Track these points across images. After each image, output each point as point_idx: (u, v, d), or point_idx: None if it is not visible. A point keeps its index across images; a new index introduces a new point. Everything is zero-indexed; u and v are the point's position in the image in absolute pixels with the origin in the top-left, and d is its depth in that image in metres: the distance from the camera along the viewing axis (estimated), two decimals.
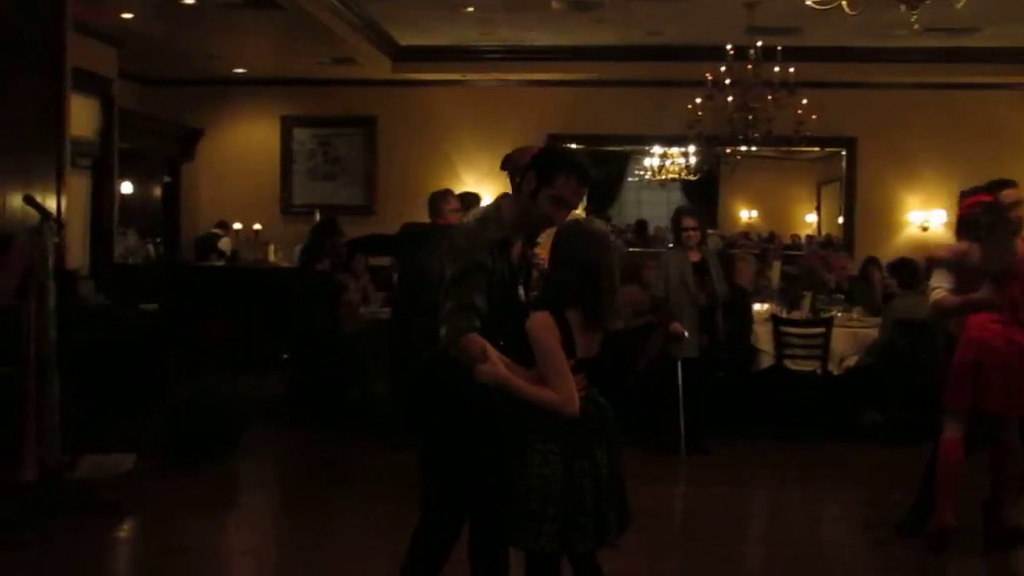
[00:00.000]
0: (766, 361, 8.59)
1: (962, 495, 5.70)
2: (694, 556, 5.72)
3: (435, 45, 12.96)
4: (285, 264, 12.69)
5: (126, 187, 12.84)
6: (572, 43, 12.71)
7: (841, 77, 12.91)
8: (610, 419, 3.51)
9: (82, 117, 10.47)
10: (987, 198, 5.57)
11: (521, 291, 3.68)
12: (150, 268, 12.41)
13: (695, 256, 7.93)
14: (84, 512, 5.92)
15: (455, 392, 3.51)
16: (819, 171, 16.38)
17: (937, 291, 5.58)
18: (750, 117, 11.23)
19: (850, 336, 8.65)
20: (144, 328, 9.02)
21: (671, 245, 8.53)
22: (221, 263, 13.20)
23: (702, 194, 16.09)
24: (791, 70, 10.65)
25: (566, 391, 3.32)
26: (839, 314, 9.01)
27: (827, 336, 8.43)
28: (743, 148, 12.38)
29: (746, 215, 18.11)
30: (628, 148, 16.17)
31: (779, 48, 10.62)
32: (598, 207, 15.70)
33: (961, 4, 8.01)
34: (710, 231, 10.54)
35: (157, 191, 14.42)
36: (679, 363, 7.77)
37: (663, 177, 16.07)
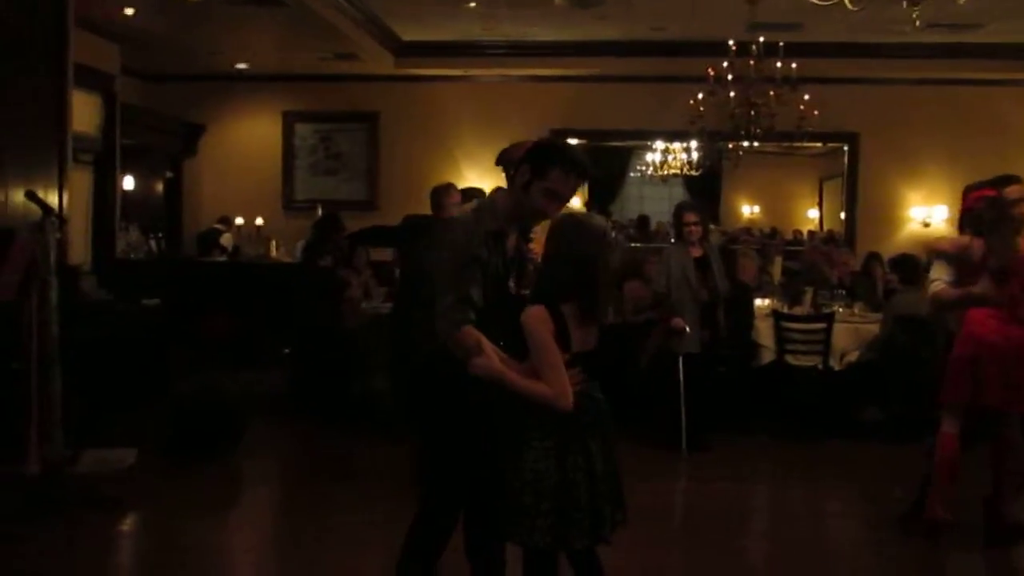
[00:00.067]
0: (767, 357, 8.59)
1: (963, 491, 5.72)
2: (695, 552, 5.73)
3: (437, 40, 12.94)
4: (287, 259, 12.70)
5: (128, 183, 12.84)
6: (574, 38, 12.70)
7: (843, 73, 12.89)
8: (605, 414, 3.50)
9: (84, 113, 10.48)
10: (991, 193, 5.57)
11: (512, 284, 3.67)
12: (152, 264, 12.41)
13: (697, 252, 7.93)
14: (86, 507, 5.93)
15: (453, 386, 3.51)
16: (821, 167, 16.38)
17: (936, 283, 5.59)
18: (752, 113, 11.20)
19: (851, 332, 8.65)
20: (146, 323, 9.04)
21: (673, 241, 8.53)
22: (223, 258, 13.20)
23: (704, 190, 16.09)
24: (793, 66, 10.62)
25: (559, 385, 3.32)
26: (840, 310, 9.00)
27: (828, 332, 8.43)
28: (745, 144, 12.33)
29: (748, 211, 18.13)
30: (630, 143, 16.18)
31: (781, 44, 10.59)
32: (600, 202, 15.73)
33: (964, 0, 8.00)
34: (712, 227, 10.53)
35: (159, 187, 14.43)
36: (680, 359, 7.78)
37: (665, 173, 16.08)
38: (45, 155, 8.09)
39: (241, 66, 13.64)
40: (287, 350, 9.81)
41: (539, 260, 3.74)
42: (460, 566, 3.82)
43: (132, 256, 12.32)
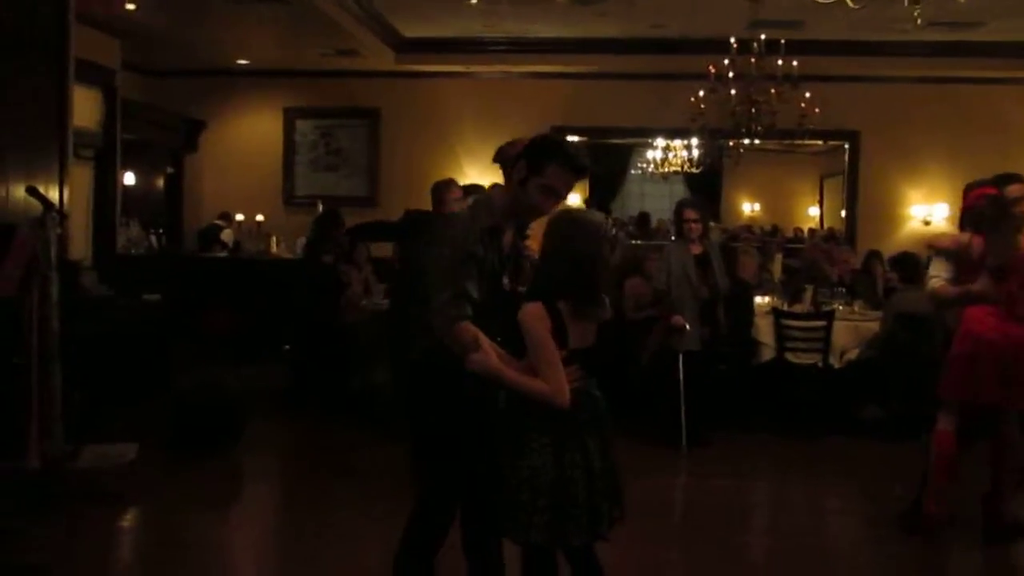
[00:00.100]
0: (767, 354, 8.60)
1: (963, 488, 5.74)
2: (694, 548, 5.74)
3: (439, 37, 12.95)
4: (287, 255, 12.71)
5: (129, 178, 12.84)
6: (576, 35, 12.71)
7: (844, 71, 12.89)
8: (603, 411, 3.49)
9: (85, 108, 10.48)
10: (992, 191, 5.58)
11: (506, 280, 3.66)
12: (153, 259, 12.43)
13: (697, 249, 7.93)
14: (87, 502, 5.95)
15: (450, 382, 3.50)
16: (822, 165, 16.40)
17: (935, 280, 5.61)
18: (753, 110, 11.22)
19: (851, 329, 8.65)
20: (147, 319, 9.04)
21: (673, 238, 8.53)
22: (224, 254, 13.22)
23: (705, 187, 16.11)
24: (794, 63, 10.63)
25: (556, 382, 3.31)
26: (840, 308, 9.00)
27: (828, 329, 8.43)
28: (746, 141, 12.36)
29: (749, 208, 18.15)
30: (631, 141, 16.20)
31: (782, 41, 10.60)
32: (601, 199, 15.74)
33: None
34: (712, 224, 10.53)
35: (160, 182, 14.44)
36: (680, 356, 7.78)
37: (666, 170, 16.09)
38: (46, 151, 8.09)
39: (242, 62, 13.64)
40: (288, 346, 9.82)
41: (535, 257, 3.72)
42: (458, 563, 3.83)
43: (133, 252, 12.34)
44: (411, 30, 12.74)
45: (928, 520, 5.64)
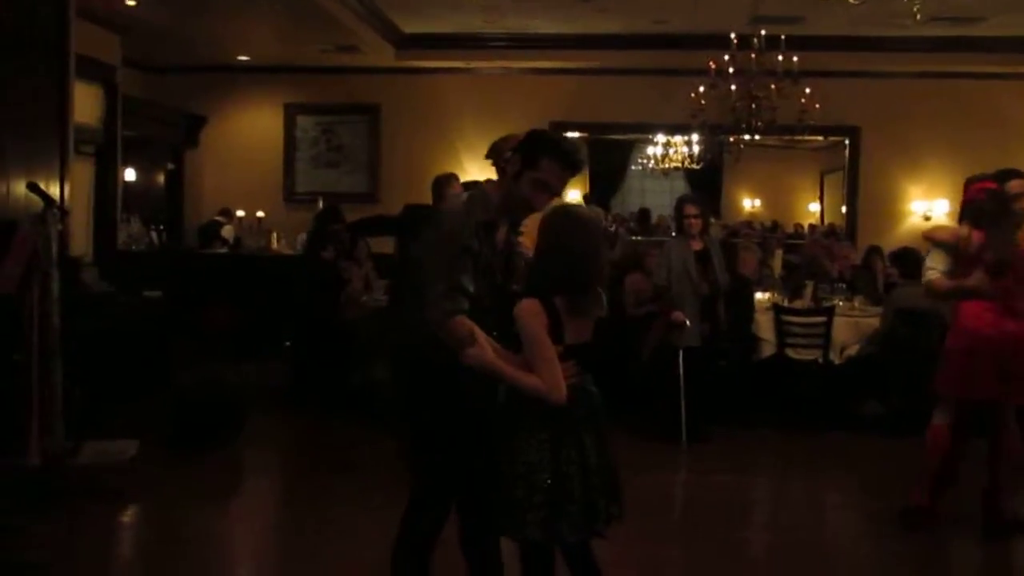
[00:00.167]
0: (767, 350, 8.61)
1: (962, 484, 5.75)
2: (695, 543, 5.74)
3: (439, 33, 12.94)
4: (288, 252, 12.70)
5: (129, 174, 12.85)
6: (576, 31, 12.69)
7: (845, 66, 12.88)
8: (600, 407, 3.47)
9: (86, 104, 10.48)
10: (992, 186, 5.58)
11: (499, 276, 3.65)
12: (153, 255, 12.42)
13: (697, 245, 7.94)
14: (87, 498, 5.95)
15: (445, 376, 3.47)
16: (822, 160, 16.37)
17: (931, 272, 5.62)
18: (753, 106, 11.22)
19: (851, 325, 8.66)
20: (147, 315, 9.04)
21: (674, 234, 8.53)
22: (224, 250, 13.20)
23: (705, 183, 16.06)
24: (795, 59, 10.63)
25: (552, 378, 3.29)
26: (841, 303, 9.01)
27: (828, 325, 8.44)
28: (746, 137, 12.33)
29: (749, 204, 18.11)
30: (632, 136, 16.17)
31: (783, 37, 10.60)
32: (601, 195, 15.72)
33: None
34: (712, 220, 10.53)
35: (160, 178, 14.44)
36: (680, 352, 7.79)
37: (666, 166, 16.07)
38: (46, 147, 8.09)
39: (243, 58, 13.64)
40: (288, 342, 9.82)
41: (528, 254, 3.71)
42: (457, 559, 3.83)
43: (133, 248, 12.33)
44: (411, 26, 12.74)
45: (916, 510, 5.67)
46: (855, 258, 10.89)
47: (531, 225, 3.83)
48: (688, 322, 7.74)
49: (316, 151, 14.52)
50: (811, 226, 16.57)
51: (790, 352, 8.53)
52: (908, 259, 8.66)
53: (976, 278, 5.41)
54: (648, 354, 8.19)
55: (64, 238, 7.24)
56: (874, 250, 10.68)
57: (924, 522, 5.68)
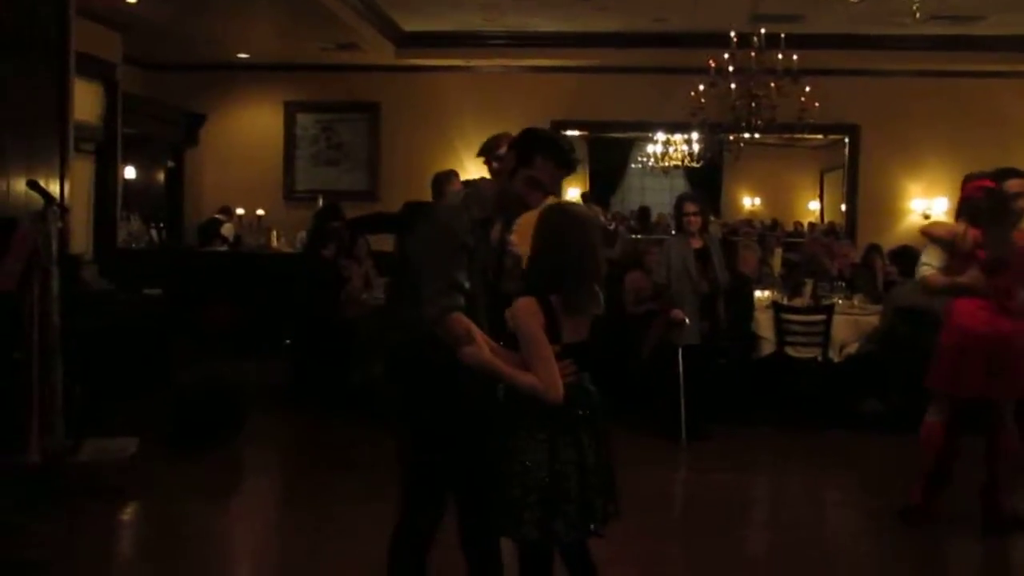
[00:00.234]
0: (767, 348, 8.61)
1: (962, 480, 5.76)
2: (694, 541, 5.75)
3: (439, 31, 12.94)
4: (288, 250, 12.70)
5: (129, 172, 12.85)
6: (576, 30, 12.69)
7: (844, 64, 12.88)
8: (597, 406, 3.46)
9: (86, 102, 10.48)
10: (990, 184, 5.59)
11: (491, 273, 3.63)
12: (153, 253, 12.43)
13: (697, 243, 7.94)
14: (87, 496, 5.95)
15: (445, 375, 3.46)
16: (822, 158, 16.39)
17: (926, 268, 5.63)
18: (753, 104, 11.23)
19: (851, 324, 8.67)
20: (147, 313, 9.04)
21: (673, 232, 8.54)
22: (224, 248, 13.21)
23: (705, 181, 16.09)
24: (794, 57, 10.63)
25: (549, 377, 3.27)
26: (840, 301, 9.01)
27: (828, 323, 8.44)
28: (746, 135, 12.35)
29: (749, 202, 18.15)
30: (631, 135, 16.19)
31: (782, 35, 10.60)
32: (601, 193, 15.75)
33: None
34: (712, 219, 10.54)
35: (160, 176, 14.44)
36: (680, 350, 7.79)
37: (666, 164, 16.10)
38: (47, 144, 8.10)
39: (243, 56, 13.64)
40: (288, 340, 9.82)
41: (517, 252, 3.70)
42: (457, 559, 3.83)
43: (133, 246, 12.34)
44: (411, 24, 12.74)
45: (910, 508, 5.69)
46: (855, 256, 10.89)
47: (523, 224, 3.83)
48: (688, 320, 7.74)
49: (316, 149, 14.51)
50: (811, 224, 16.60)
51: (790, 350, 8.54)
52: (908, 257, 8.66)
53: (971, 275, 5.42)
54: (648, 352, 8.20)
55: (64, 236, 7.25)
56: (874, 248, 10.68)
57: (918, 520, 5.70)
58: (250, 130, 14.48)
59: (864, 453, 7.81)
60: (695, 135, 14.73)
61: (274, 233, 13.22)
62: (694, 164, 15.82)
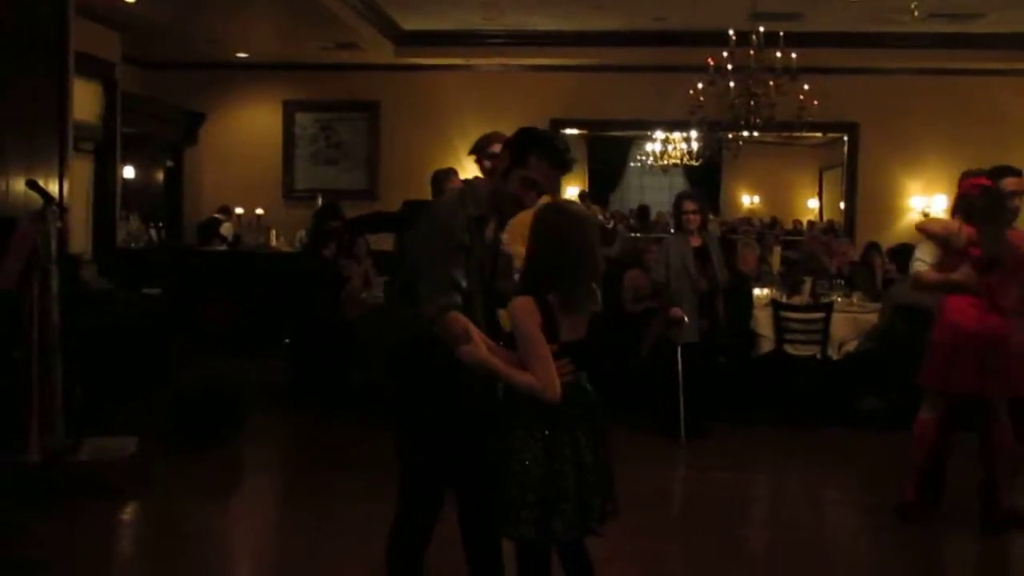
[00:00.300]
0: (766, 346, 8.62)
1: (960, 477, 5.77)
2: (693, 538, 5.76)
3: (438, 30, 12.94)
4: (287, 249, 12.71)
5: (128, 171, 12.84)
6: (575, 28, 12.69)
7: (843, 63, 12.88)
8: (595, 404, 3.45)
9: (85, 101, 10.49)
10: (986, 182, 5.59)
11: (486, 272, 3.63)
12: (153, 252, 12.43)
13: (696, 241, 7.94)
14: (87, 495, 5.96)
15: (444, 374, 3.46)
16: (821, 157, 16.39)
17: (919, 264, 5.65)
18: (752, 103, 11.21)
19: (850, 321, 8.67)
20: (147, 312, 9.05)
21: (672, 230, 8.54)
22: (223, 248, 13.22)
23: (704, 179, 16.10)
24: (793, 56, 10.63)
25: (546, 376, 3.26)
26: (839, 299, 9.02)
27: (827, 321, 8.45)
28: (745, 134, 12.34)
29: (748, 201, 18.15)
30: (630, 133, 16.20)
31: (781, 34, 10.59)
32: (600, 192, 15.75)
33: None
34: (711, 217, 10.54)
35: (159, 175, 14.44)
36: (679, 348, 7.80)
37: (665, 162, 16.10)
38: (46, 144, 8.10)
39: (242, 55, 13.64)
40: (287, 339, 9.82)
41: (509, 252, 3.69)
42: (457, 559, 3.84)
43: (133, 245, 12.35)
44: (410, 23, 12.74)
45: (903, 505, 5.70)
46: (853, 254, 10.89)
47: (515, 223, 3.82)
48: (687, 318, 7.74)
49: (315, 148, 14.51)
50: (810, 222, 16.60)
51: (789, 348, 8.55)
52: (906, 255, 8.64)
53: (963, 272, 5.44)
54: (647, 350, 8.21)
55: (63, 235, 7.26)
56: (873, 246, 10.68)
57: (914, 517, 5.71)
58: (249, 129, 14.48)
59: (863, 451, 7.81)
60: (694, 133, 14.71)
61: (273, 232, 13.23)
62: (693, 162, 15.82)
